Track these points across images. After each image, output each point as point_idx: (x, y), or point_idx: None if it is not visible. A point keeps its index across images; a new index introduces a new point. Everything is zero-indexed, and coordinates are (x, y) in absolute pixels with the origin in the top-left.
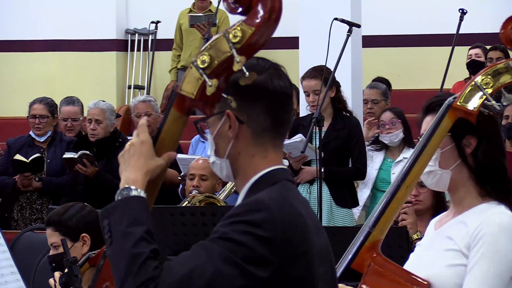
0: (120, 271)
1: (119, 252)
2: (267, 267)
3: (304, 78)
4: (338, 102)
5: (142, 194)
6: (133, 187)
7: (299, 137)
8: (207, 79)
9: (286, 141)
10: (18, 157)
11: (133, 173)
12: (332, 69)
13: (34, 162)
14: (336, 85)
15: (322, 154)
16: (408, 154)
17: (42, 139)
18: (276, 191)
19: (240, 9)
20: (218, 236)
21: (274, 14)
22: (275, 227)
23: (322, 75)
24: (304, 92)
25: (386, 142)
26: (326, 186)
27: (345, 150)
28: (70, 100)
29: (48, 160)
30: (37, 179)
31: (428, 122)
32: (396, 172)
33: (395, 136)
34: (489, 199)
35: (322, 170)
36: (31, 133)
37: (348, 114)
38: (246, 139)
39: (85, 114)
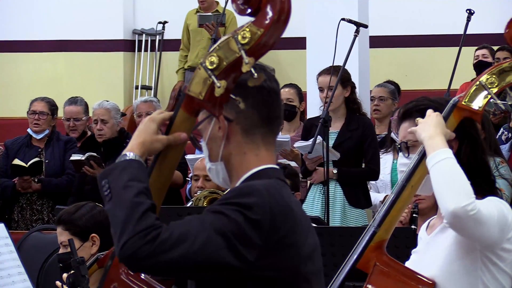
0: (119, 222)
1: (118, 204)
2: (254, 250)
3: (320, 74)
4: (352, 103)
5: (137, 158)
6: (127, 153)
7: (319, 139)
8: (215, 80)
9: (304, 143)
10: (16, 161)
11: (130, 143)
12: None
13: (33, 166)
14: (352, 86)
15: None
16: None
17: (39, 136)
18: (269, 182)
19: (249, 10)
20: (211, 210)
21: (283, 16)
22: (264, 212)
23: (339, 73)
24: (319, 88)
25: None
26: (339, 187)
27: (359, 151)
28: (73, 100)
29: (47, 161)
30: (36, 180)
31: (405, 128)
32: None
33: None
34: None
35: (335, 171)
36: (28, 130)
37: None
38: (237, 137)
39: (91, 114)
